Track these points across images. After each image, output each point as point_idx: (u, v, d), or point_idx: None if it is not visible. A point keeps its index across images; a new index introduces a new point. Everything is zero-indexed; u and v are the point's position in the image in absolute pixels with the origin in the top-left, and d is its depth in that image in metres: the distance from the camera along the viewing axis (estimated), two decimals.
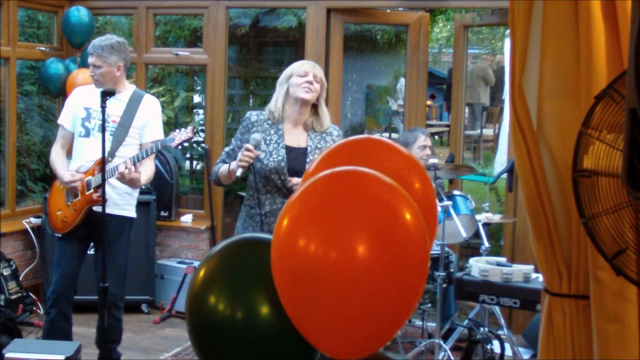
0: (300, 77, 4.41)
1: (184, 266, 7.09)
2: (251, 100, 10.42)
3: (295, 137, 4.46)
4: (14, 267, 6.64)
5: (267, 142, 4.41)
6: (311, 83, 4.39)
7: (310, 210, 2.64)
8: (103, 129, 4.61)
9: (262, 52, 10.49)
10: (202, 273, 2.91)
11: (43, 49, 7.54)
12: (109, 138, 5.07)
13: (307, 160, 4.38)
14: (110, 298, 4.99)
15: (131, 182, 4.98)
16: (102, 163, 4.65)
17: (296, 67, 4.48)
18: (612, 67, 2.53)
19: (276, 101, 4.49)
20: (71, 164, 5.25)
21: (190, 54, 7.79)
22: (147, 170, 5.10)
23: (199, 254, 7.37)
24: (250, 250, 2.96)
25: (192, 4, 7.57)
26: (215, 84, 7.40)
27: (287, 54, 10.36)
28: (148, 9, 7.58)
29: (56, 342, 4.96)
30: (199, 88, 9.98)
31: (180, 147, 5.04)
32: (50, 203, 5.36)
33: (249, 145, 4.22)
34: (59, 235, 5.26)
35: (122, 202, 5.20)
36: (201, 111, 9.57)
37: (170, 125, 9.36)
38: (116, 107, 5.12)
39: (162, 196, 7.34)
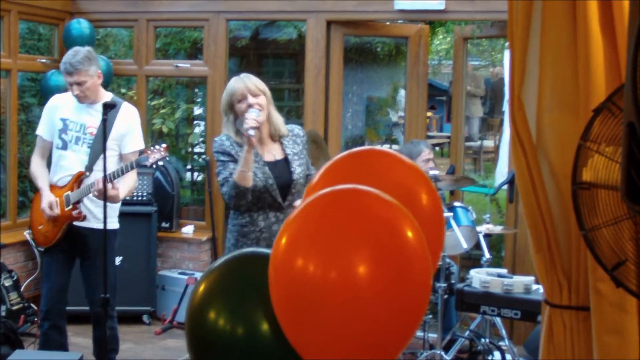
0: (241, 102, 4.28)
1: (185, 277, 7.10)
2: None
3: (269, 152, 4.37)
4: (15, 278, 6.64)
5: None
6: (253, 105, 4.24)
7: (309, 229, 2.58)
8: (104, 141, 4.60)
9: (262, 64, 10.52)
10: (202, 288, 2.87)
11: (44, 61, 7.56)
12: (85, 150, 5.05)
13: (292, 169, 4.33)
14: (103, 309, 5.01)
15: (110, 199, 4.85)
16: (104, 177, 4.62)
17: (232, 92, 4.32)
18: (610, 81, 2.55)
19: (229, 130, 4.36)
20: (50, 176, 5.20)
21: (190, 66, 7.80)
22: (127, 184, 5.03)
23: (200, 265, 7.38)
24: (251, 266, 2.91)
25: (192, 16, 7.59)
26: (215, 96, 7.41)
27: (287, 66, 10.41)
28: (148, 21, 7.60)
29: (58, 353, 4.96)
30: (199, 100, 10.00)
31: (154, 165, 4.96)
32: (32, 216, 5.32)
33: (251, 113, 4.16)
34: (42, 249, 5.25)
35: (102, 216, 5.14)
36: (202, 123, 9.58)
37: (171, 137, 9.38)
38: (93, 117, 5.07)
39: (163, 207, 7.35)
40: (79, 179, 5.05)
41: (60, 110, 5.19)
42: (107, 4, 7.65)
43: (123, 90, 9.29)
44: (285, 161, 4.38)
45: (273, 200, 4.29)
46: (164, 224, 7.42)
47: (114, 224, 5.24)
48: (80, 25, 7.33)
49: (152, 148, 4.94)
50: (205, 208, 7.59)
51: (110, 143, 5.05)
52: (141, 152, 5.13)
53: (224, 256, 3.02)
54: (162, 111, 9.15)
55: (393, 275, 2.48)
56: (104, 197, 4.61)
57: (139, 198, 7.14)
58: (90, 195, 4.95)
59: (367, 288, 2.47)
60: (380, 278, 2.47)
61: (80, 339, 6.22)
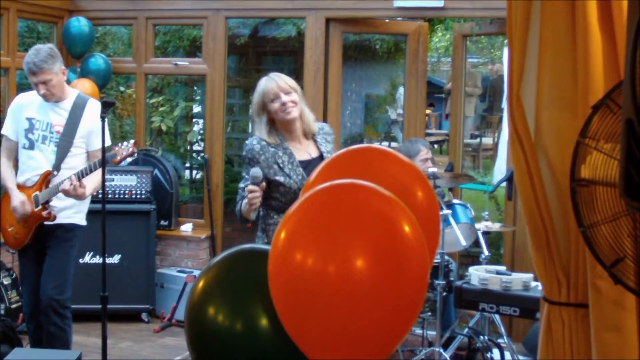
0: (273, 101, 4.21)
1: (184, 275, 7.10)
2: (250, 110, 10.42)
3: (305, 151, 4.31)
4: (14, 277, 6.63)
5: (282, 164, 4.20)
6: (286, 102, 4.19)
7: (308, 224, 2.61)
8: (103, 139, 4.56)
9: (261, 61, 10.52)
10: (201, 284, 2.90)
11: None
12: (52, 149, 4.99)
13: None
14: (46, 302, 4.98)
15: (77, 197, 4.88)
16: (102, 173, 4.62)
17: (265, 92, 4.24)
18: (609, 77, 2.54)
19: (261, 132, 4.26)
20: (18, 177, 5.13)
21: (189, 63, 7.81)
22: (94, 181, 4.94)
23: (199, 262, 7.38)
24: (249, 262, 2.94)
25: (191, 14, 7.59)
26: (214, 94, 7.42)
27: (286, 63, 10.40)
28: (147, 19, 7.60)
29: (57, 351, 4.94)
30: (198, 98, 10.00)
31: (123, 161, 4.90)
32: (1, 219, 5.21)
33: (250, 187, 4.00)
34: (13, 252, 5.20)
35: (69, 212, 5.10)
36: (201, 121, 9.59)
37: (170, 135, 9.38)
38: (59, 116, 5.02)
39: (161, 205, 7.35)
40: (46, 178, 4.99)
41: (26, 110, 5.10)
42: (106, 2, 7.65)
43: (122, 88, 9.30)
44: (321, 159, 4.25)
45: None
46: (162, 222, 7.42)
47: (80, 220, 5.18)
48: (79, 23, 7.34)
49: (120, 145, 4.89)
50: (204, 206, 7.59)
51: (77, 141, 5.02)
52: (110, 149, 5.01)
53: (223, 252, 3.04)
54: (161, 109, 9.15)
55: (390, 268, 2.52)
56: (103, 196, 4.60)
57: (138, 196, 7.14)
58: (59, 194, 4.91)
59: (365, 281, 2.50)
60: (378, 272, 2.51)
61: (80, 337, 6.22)
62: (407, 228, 2.57)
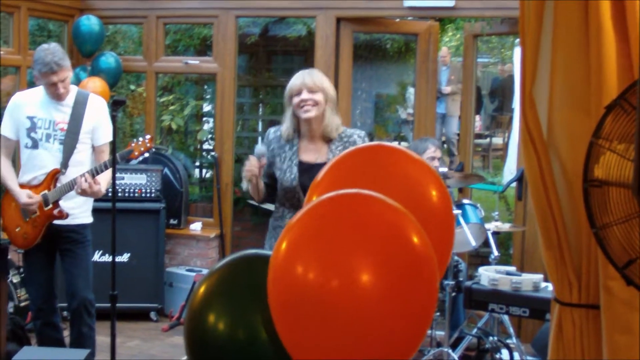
0: (296, 96, 4.22)
1: (193, 274, 7.10)
2: (260, 109, 10.45)
3: (314, 153, 4.28)
4: (23, 275, 6.63)
5: (282, 159, 4.28)
6: (306, 100, 4.19)
7: (311, 235, 2.49)
8: (114, 135, 4.56)
9: (271, 61, 10.53)
10: (202, 290, 2.82)
11: None
12: (58, 147, 4.94)
13: None
14: (80, 302, 4.99)
15: (93, 195, 4.87)
16: (113, 171, 4.62)
17: (291, 85, 4.26)
18: (623, 78, 2.52)
19: (286, 122, 4.32)
20: (21, 176, 5.06)
21: (200, 62, 7.81)
22: (106, 178, 4.91)
23: (208, 261, 7.38)
24: (253, 268, 2.84)
25: (202, 13, 7.60)
26: (224, 93, 7.42)
27: (296, 62, 10.40)
28: (158, 18, 7.60)
29: (66, 350, 4.95)
30: (208, 97, 10.00)
31: (141, 157, 4.88)
32: (5, 219, 5.12)
33: (252, 157, 4.12)
34: (22, 251, 5.19)
35: (77, 212, 5.06)
36: (211, 120, 9.60)
37: (180, 133, 9.38)
38: (62, 113, 4.97)
39: (171, 204, 7.35)
40: (54, 177, 4.94)
41: (26, 108, 5.02)
42: (116, 0, 7.66)
43: (132, 87, 9.31)
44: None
45: (298, 202, 4.22)
46: (172, 221, 7.42)
47: (88, 218, 5.17)
48: (90, 22, 7.35)
49: (136, 140, 4.88)
50: (214, 205, 7.59)
51: (82, 136, 4.98)
52: (125, 145, 5.01)
53: (227, 257, 2.99)
54: (171, 108, 9.16)
55: (398, 283, 2.40)
56: (113, 194, 4.59)
57: (148, 195, 7.15)
58: (72, 192, 4.87)
59: (370, 297, 2.39)
60: (385, 286, 2.40)
61: None
62: (415, 239, 2.45)
